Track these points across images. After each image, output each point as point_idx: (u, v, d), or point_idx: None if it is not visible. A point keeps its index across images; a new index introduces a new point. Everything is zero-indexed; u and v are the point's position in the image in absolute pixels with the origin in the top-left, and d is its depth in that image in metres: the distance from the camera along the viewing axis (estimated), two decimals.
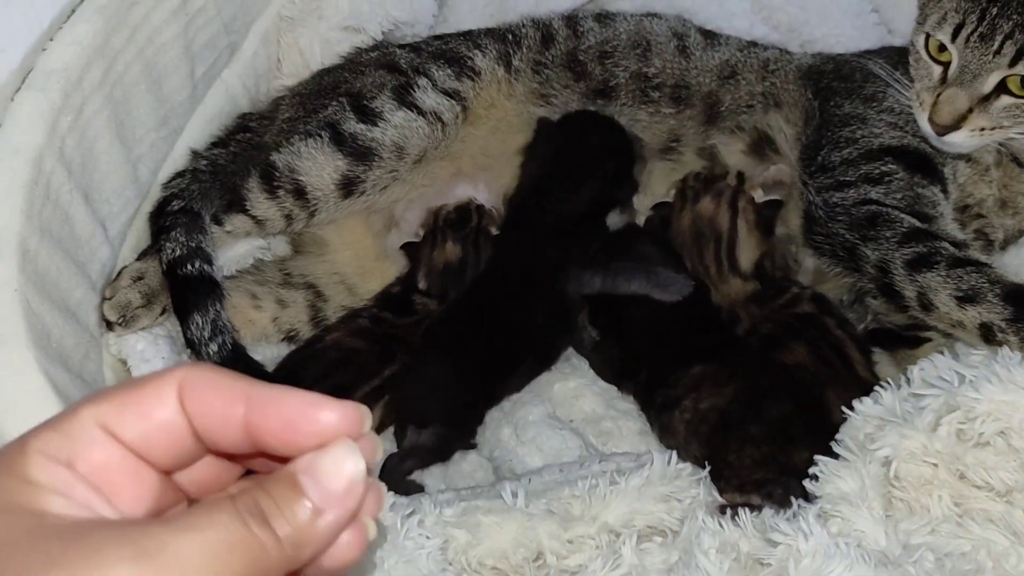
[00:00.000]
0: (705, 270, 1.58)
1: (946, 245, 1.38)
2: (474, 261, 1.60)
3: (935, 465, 1.15)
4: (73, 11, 1.33)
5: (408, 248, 1.64)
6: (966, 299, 1.33)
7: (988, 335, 1.32)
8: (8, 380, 1.06)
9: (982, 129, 1.40)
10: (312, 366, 1.47)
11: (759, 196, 1.60)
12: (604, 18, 1.76)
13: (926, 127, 1.44)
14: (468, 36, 1.75)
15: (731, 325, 1.54)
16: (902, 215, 1.43)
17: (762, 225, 1.59)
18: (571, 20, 1.75)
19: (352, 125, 1.57)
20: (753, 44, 1.77)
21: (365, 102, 1.60)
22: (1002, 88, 1.38)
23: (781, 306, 1.51)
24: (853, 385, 1.37)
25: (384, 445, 1.48)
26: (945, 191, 1.50)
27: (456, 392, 1.46)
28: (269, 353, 1.55)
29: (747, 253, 1.58)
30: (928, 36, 1.43)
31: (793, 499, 1.21)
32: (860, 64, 1.64)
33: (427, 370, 1.46)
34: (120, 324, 1.36)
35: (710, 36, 1.76)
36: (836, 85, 1.63)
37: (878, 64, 1.56)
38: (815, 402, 1.35)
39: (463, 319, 1.51)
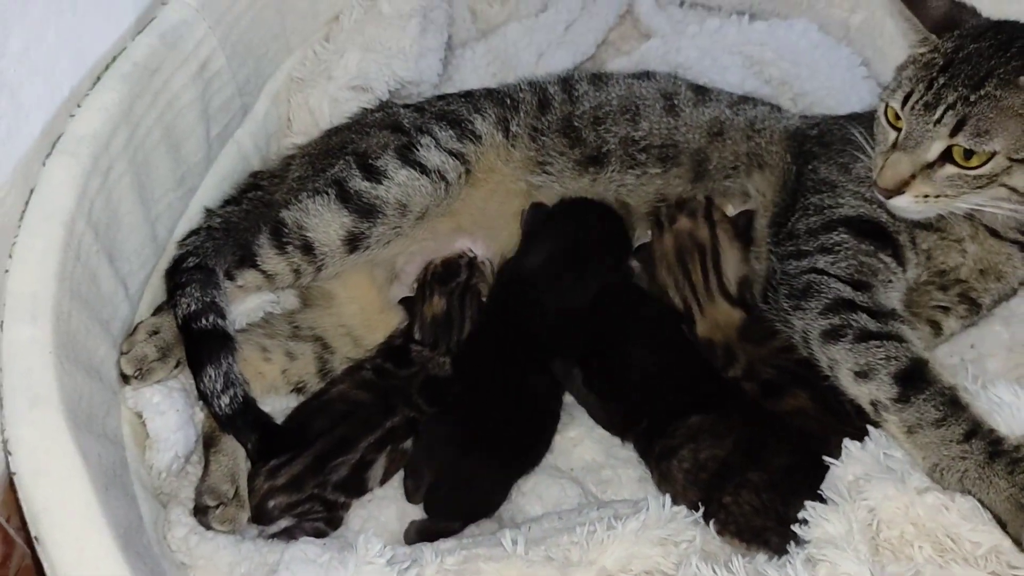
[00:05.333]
0: (692, 290, 1.62)
1: (861, 317, 1.41)
2: (459, 315, 1.66)
3: (914, 525, 1.22)
4: (98, 78, 1.40)
5: (405, 302, 1.70)
6: (861, 375, 1.37)
7: (876, 412, 1.35)
8: (39, 444, 1.10)
9: (926, 196, 1.42)
10: (319, 419, 1.52)
11: (730, 210, 1.66)
12: (598, 80, 1.82)
13: (875, 190, 1.46)
14: (469, 98, 1.80)
15: (727, 366, 1.58)
16: (837, 284, 1.46)
17: (741, 235, 1.64)
18: (567, 83, 1.81)
19: (358, 183, 1.62)
20: (744, 100, 1.82)
21: (370, 161, 1.65)
22: (947, 157, 1.39)
23: (779, 350, 1.55)
24: (852, 432, 1.39)
25: (388, 492, 1.54)
26: (899, 258, 1.52)
27: (482, 485, 1.50)
28: (278, 405, 1.60)
29: (732, 266, 1.62)
30: (887, 103, 1.46)
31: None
32: (842, 129, 1.68)
33: (454, 468, 1.49)
34: (136, 377, 1.41)
35: (701, 92, 1.81)
36: (817, 150, 1.68)
37: (858, 130, 1.59)
38: (816, 453, 1.38)
39: (475, 405, 1.56)
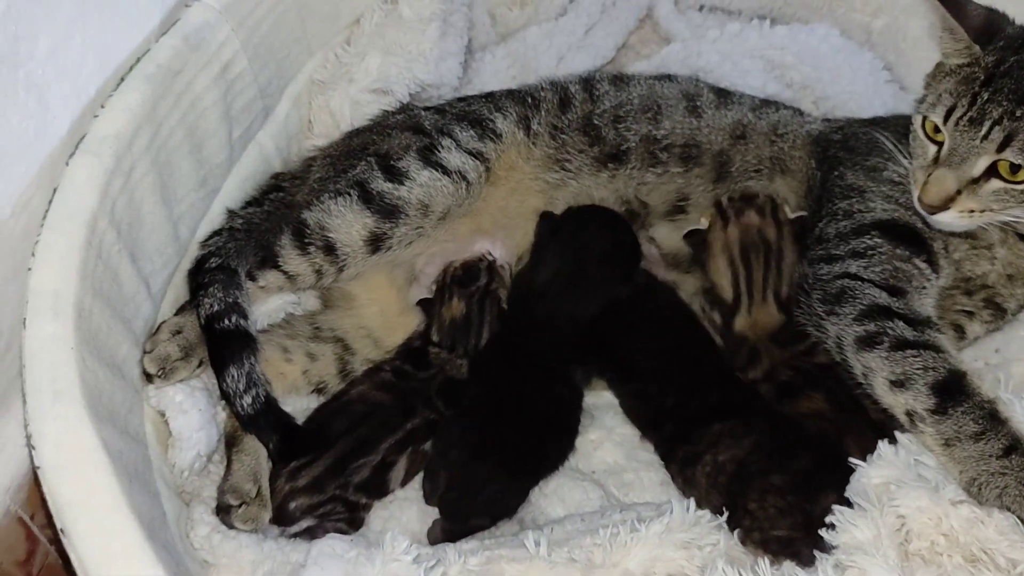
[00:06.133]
0: (750, 286, 1.61)
1: (898, 325, 1.39)
2: (478, 319, 1.65)
3: (946, 536, 1.21)
4: (122, 79, 1.41)
5: (423, 304, 1.70)
6: (897, 384, 1.34)
7: (911, 422, 1.33)
8: (63, 437, 1.11)
9: (971, 211, 1.41)
10: (339, 419, 1.52)
11: (789, 213, 1.66)
12: (619, 81, 1.82)
13: (917, 206, 1.45)
14: (490, 98, 1.81)
15: (748, 366, 1.57)
16: (872, 289, 1.44)
17: (799, 240, 1.63)
18: (587, 83, 1.81)
19: (380, 184, 1.62)
20: (766, 103, 1.81)
21: (392, 162, 1.65)
22: (992, 172, 1.38)
23: (801, 353, 1.54)
24: (869, 430, 1.40)
25: (410, 493, 1.54)
26: (933, 264, 1.50)
27: (494, 489, 1.49)
28: (299, 405, 1.60)
29: (789, 269, 1.61)
30: (925, 117, 1.45)
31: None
32: (867, 134, 1.66)
33: (466, 471, 1.48)
34: (159, 376, 1.41)
35: (723, 95, 1.80)
36: (842, 156, 1.66)
37: (884, 135, 1.58)
38: (835, 452, 1.38)
39: (491, 410, 1.55)
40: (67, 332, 1.17)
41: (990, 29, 1.44)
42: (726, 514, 1.35)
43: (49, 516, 1.11)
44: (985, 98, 1.37)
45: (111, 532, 1.04)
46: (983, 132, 1.36)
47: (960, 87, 1.41)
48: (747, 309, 1.60)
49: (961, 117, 1.38)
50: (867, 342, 1.39)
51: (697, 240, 1.67)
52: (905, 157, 1.53)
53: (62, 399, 1.13)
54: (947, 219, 1.43)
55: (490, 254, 1.72)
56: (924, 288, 1.48)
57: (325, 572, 1.11)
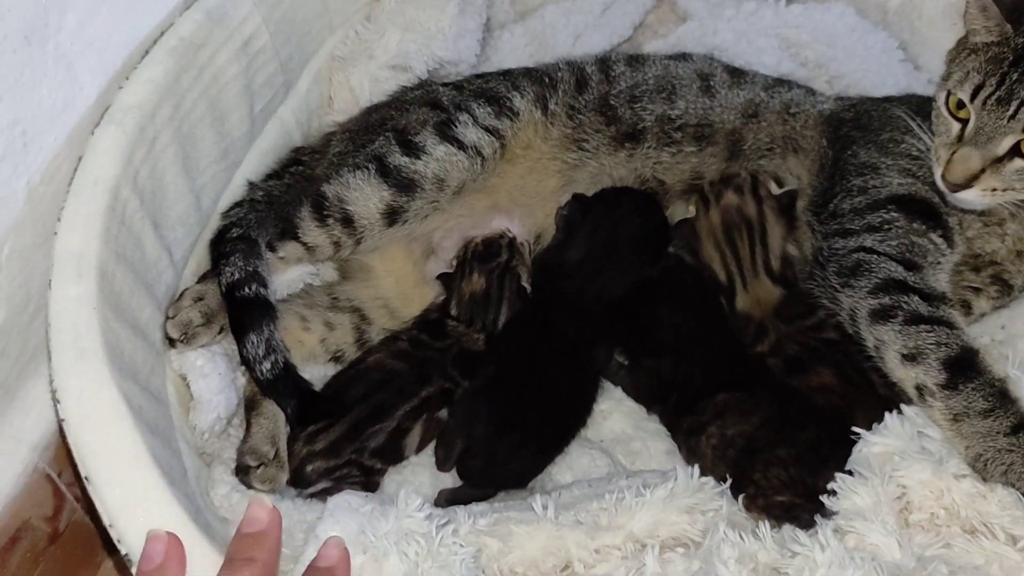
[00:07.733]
0: (739, 265, 1.63)
1: (913, 299, 1.40)
2: (497, 295, 1.68)
3: (946, 510, 1.23)
4: (147, 52, 1.45)
5: (443, 278, 1.73)
6: (909, 358, 1.36)
7: (920, 396, 1.35)
8: (85, 392, 1.16)
9: (994, 190, 1.42)
10: (356, 386, 1.56)
11: (774, 188, 1.67)
12: (635, 61, 1.83)
13: (940, 183, 1.47)
14: (508, 76, 1.83)
15: (756, 341, 1.59)
16: (888, 263, 1.46)
17: (785, 213, 1.65)
18: (604, 64, 1.83)
19: (397, 158, 1.65)
20: (779, 82, 1.82)
21: (410, 137, 1.68)
22: (1016, 151, 1.39)
23: (809, 328, 1.56)
24: (879, 405, 1.41)
25: (423, 459, 1.58)
26: (949, 239, 1.52)
27: (516, 466, 1.53)
28: (317, 372, 1.64)
29: (777, 242, 1.63)
30: (949, 93, 1.46)
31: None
32: (880, 111, 1.68)
33: (489, 446, 1.51)
34: (182, 341, 1.46)
35: (737, 74, 1.82)
36: (855, 134, 1.67)
37: (900, 109, 1.59)
38: (842, 425, 1.39)
39: (514, 390, 1.57)
40: (90, 294, 1.21)
41: (1019, 6, 1.45)
42: (729, 481, 1.38)
43: (76, 473, 1.16)
44: (1014, 78, 1.38)
45: (133, 478, 1.09)
46: (1010, 112, 1.38)
47: (988, 66, 1.42)
48: (743, 287, 1.63)
49: (989, 96, 1.40)
50: (881, 315, 1.40)
51: (686, 230, 1.69)
52: (925, 132, 1.54)
53: (85, 357, 1.17)
54: (969, 197, 1.44)
55: (510, 231, 1.74)
56: (939, 263, 1.49)
57: (340, 524, 1.15)
